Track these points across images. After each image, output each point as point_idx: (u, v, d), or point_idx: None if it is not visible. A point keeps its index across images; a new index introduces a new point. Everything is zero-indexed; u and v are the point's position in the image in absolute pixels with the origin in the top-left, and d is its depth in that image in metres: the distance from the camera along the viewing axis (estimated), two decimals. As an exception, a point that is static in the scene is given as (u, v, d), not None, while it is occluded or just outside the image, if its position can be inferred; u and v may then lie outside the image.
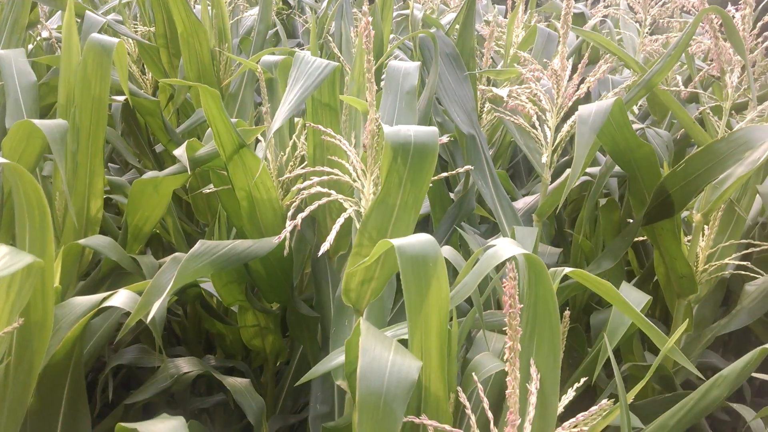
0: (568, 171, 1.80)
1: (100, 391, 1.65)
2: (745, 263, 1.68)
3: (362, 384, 0.77)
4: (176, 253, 1.12)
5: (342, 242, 1.52)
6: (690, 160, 1.40)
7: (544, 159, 1.56)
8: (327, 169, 1.20)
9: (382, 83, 1.44)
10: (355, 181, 1.18)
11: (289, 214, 1.20)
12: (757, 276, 1.73)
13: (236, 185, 1.38)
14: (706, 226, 1.63)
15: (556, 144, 1.56)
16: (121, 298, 1.14)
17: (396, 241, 0.88)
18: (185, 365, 1.55)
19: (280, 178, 1.48)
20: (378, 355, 0.79)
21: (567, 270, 0.97)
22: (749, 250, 1.77)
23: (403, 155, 1.05)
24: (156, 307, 1.07)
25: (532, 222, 1.64)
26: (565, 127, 1.56)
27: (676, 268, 1.56)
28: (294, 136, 1.52)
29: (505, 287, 0.80)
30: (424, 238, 0.88)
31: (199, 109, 1.99)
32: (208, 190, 1.57)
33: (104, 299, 1.13)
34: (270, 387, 1.73)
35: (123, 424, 0.92)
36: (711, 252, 1.71)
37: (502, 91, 1.55)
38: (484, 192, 1.63)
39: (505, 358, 0.83)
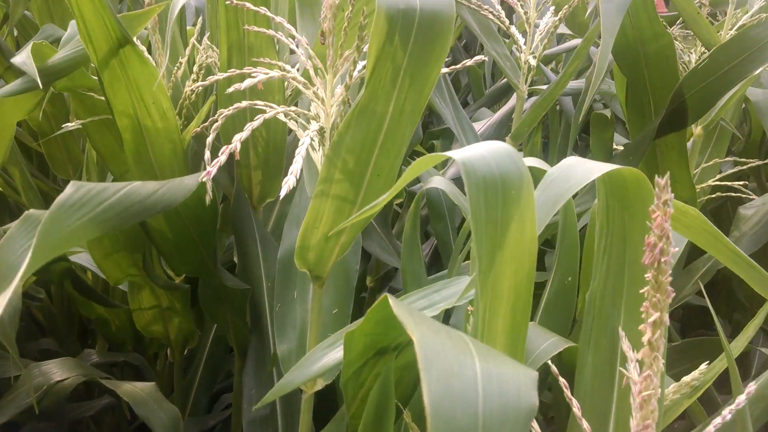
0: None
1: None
2: (737, 183, 1.42)
3: (439, 424, 0.39)
4: (30, 211, 0.68)
5: (270, 185, 1.11)
6: (716, 53, 1.10)
7: (523, 62, 1.21)
8: (260, 70, 0.79)
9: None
10: (308, 86, 0.78)
11: (208, 141, 0.79)
12: (748, 198, 1.49)
13: (116, 108, 0.93)
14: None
15: (537, 43, 1.22)
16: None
17: (460, 153, 0.49)
18: (57, 371, 1.10)
19: (181, 102, 1.04)
20: (454, 366, 0.41)
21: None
22: (736, 169, 1.53)
23: (402, 31, 0.66)
24: (4, 301, 0.63)
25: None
26: (546, 21, 1.22)
27: (677, 191, 1.27)
28: (192, 40, 1.08)
29: (656, 219, 0.44)
30: (499, 147, 0.51)
31: (46, 25, 1.47)
32: (70, 126, 1.10)
33: None
34: (177, 382, 1.31)
35: None
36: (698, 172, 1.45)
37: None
38: (441, 111, 1.27)
39: (645, 340, 0.48)
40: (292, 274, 0.95)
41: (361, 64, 0.77)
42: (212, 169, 0.67)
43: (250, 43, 0.95)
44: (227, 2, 0.81)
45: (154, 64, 1.00)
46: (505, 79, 1.86)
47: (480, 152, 0.48)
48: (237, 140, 0.68)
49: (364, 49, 0.76)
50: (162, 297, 1.11)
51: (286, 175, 1.17)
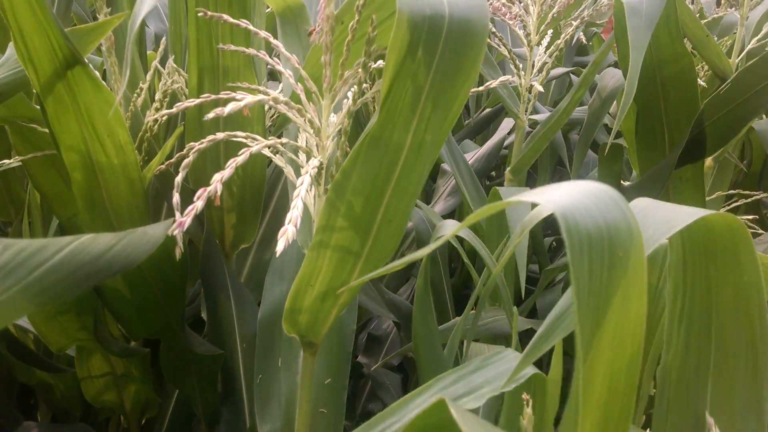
0: (540, 116, 1.35)
1: None
2: (745, 218, 1.32)
3: None
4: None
5: (245, 229, 0.96)
6: (741, 77, 1.00)
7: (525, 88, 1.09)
8: (240, 95, 0.64)
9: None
10: (302, 114, 0.64)
11: (177, 181, 0.65)
12: (757, 233, 1.39)
13: (63, 142, 0.78)
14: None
15: (540, 67, 1.10)
16: None
17: (551, 199, 0.35)
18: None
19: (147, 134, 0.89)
20: None
21: None
22: (739, 202, 1.44)
23: (428, 43, 0.53)
24: None
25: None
26: (544, 47, 1.10)
27: (691, 230, 1.16)
28: (155, 64, 0.93)
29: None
30: (601, 192, 0.37)
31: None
32: (8, 164, 0.94)
33: None
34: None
35: None
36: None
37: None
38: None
39: None
40: (275, 338, 0.80)
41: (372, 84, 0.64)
42: (185, 219, 0.52)
43: (225, 65, 0.81)
44: (200, 14, 0.67)
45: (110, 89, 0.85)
46: (488, 109, 1.75)
47: (579, 198, 0.35)
48: (218, 181, 0.54)
49: (373, 67, 0.63)
50: (116, 363, 0.94)
51: (264, 217, 1.00)
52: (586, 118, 1.13)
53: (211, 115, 0.53)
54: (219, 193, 0.53)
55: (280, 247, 0.49)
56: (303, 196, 0.52)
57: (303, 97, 0.66)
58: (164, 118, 0.92)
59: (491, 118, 1.73)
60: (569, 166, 1.61)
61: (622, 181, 1.21)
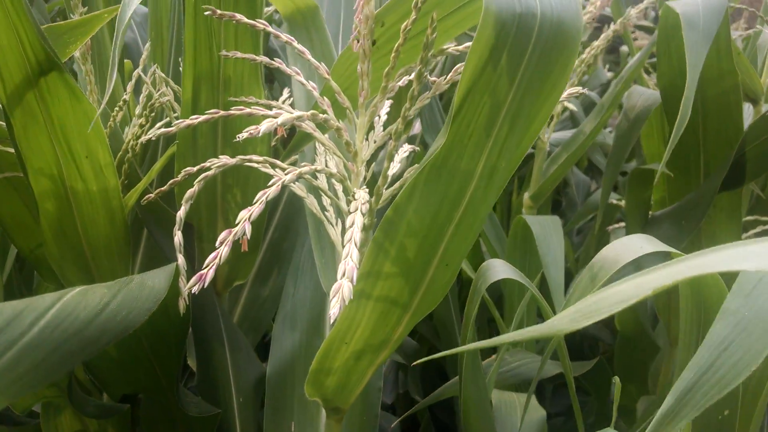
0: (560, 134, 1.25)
1: None
2: None
3: None
4: None
5: (241, 265, 0.84)
6: (788, 98, 0.91)
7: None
8: (257, 109, 0.53)
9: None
10: (340, 134, 0.52)
11: (179, 216, 0.53)
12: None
13: (32, 165, 0.65)
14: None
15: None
16: None
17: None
18: None
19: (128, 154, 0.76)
20: None
21: None
22: (758, 230, 1.36)
23: (514, 48, 0.42)
24: None
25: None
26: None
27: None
28: (138, 71, 0.80)
29: None
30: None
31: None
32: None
33: None
34: None
35: None
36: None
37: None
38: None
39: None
40: (287, 398, 0.68)
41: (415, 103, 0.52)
42: (208, 271, 0.40)
43: (226, 75, 0.69)
44: (207, 13, 0.55)
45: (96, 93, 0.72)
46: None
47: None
48: (245, 220, 0.42)
49: (434, 80, 0.51)
50: (90, 421, 0.80)
51: (260, 248, 0.89)
52: (613, 141, 1.03)
53: (244, 134, 0.41)
54: (248, 235, 0.41)
55: (334, 310, 0.37)
56: (357, 239, 0.40)
57: (331, 113, 0.55)
58: (143, 134, 0.79)
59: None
60: (575, 189, 1.51)
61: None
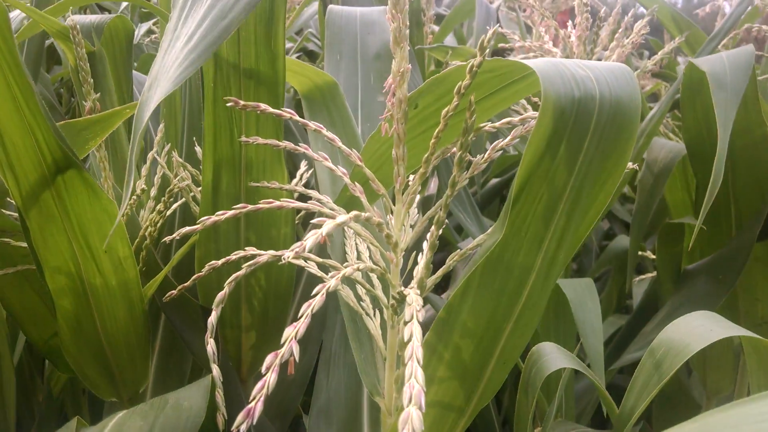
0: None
1: None
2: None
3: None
4: None
5: (267, 349, 0.80)
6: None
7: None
8: (291, 203, 0.50)
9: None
10: (382, 228, 0.49)
11: (211, 322, 0.50)
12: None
13: (48, 263, 0.61)
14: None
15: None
16: None
17: None
18: None
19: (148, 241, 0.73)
20: None
21: None
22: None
23: (574, 135, 0.39)
24: None
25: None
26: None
27: (756, 312, 1.04)
28: (152, 154, 0.77)
29: None
30: None
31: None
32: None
33: None
34: None
35: None
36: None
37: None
38: (463, 222, 1.01)
39: None
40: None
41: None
42: (255, 404, 0.37)
43: (248, 157, 0.66)
44: (229, 104, 0.52)
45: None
46: (496, 179, 1.62)
47: None
48: (291, 339, 0.38)
49: (475, 164, 0.49)
50: None
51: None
52: (637, 196, 1.00)
53: (311, 241, 0.38)
54: (296, 356, 0.38)
55: (400, 440, 0.33)
56: (419, 356, 0.37)
57: (364, 200, 0.52)
58: (162, 220, 0.76)
59: (499, 188, 1.60)
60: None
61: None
